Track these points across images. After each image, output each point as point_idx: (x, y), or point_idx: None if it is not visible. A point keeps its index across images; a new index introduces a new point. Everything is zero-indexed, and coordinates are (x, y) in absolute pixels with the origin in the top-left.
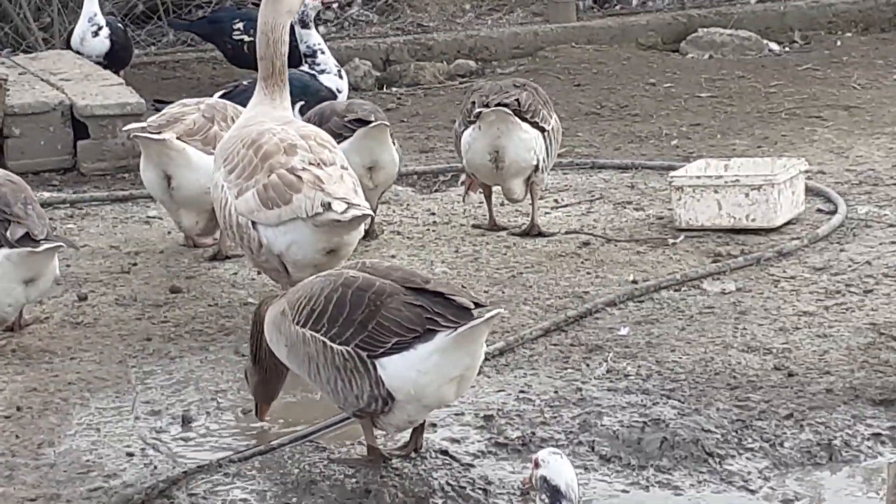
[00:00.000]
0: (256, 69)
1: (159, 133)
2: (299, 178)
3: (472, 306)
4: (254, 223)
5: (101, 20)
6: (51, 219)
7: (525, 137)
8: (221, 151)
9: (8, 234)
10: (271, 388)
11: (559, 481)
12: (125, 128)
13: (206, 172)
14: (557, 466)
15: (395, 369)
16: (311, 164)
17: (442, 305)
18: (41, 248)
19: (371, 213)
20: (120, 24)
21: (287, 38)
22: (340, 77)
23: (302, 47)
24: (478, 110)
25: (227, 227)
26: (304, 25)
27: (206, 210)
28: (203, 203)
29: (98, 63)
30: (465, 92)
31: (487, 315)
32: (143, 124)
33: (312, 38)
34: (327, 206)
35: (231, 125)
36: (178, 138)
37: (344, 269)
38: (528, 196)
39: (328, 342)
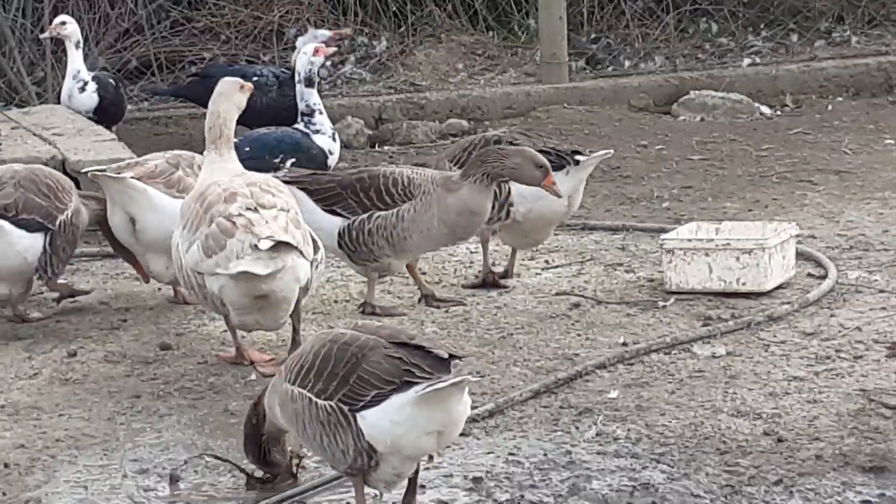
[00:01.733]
0: (250, 126)
1: (119, 173)
2: (234, 223)
3: (447, 356)
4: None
5: (86, 76)
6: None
7: None
8: (181, 210)
9: None
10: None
11: None
12: (84, 169)
13: (170, 215)
14: None
15: (373, 421)
16: (248, 209)
17: (420, 357)
18: None
19: (281, 266)
20: (111, 80)
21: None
22: (334, 140)
23: (301, 105)
24: (579, 157)
25: (183, 282)
26: (309, 84)
27: None
28: (170, 247)
29: (89, 118)
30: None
31: (453, 379)
32: (104, 167)
33: (313, 97)
34: (254, 247)
35: (197, 172)
36: (138, 179)
37: (337, 328)
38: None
39: (313, 398)
